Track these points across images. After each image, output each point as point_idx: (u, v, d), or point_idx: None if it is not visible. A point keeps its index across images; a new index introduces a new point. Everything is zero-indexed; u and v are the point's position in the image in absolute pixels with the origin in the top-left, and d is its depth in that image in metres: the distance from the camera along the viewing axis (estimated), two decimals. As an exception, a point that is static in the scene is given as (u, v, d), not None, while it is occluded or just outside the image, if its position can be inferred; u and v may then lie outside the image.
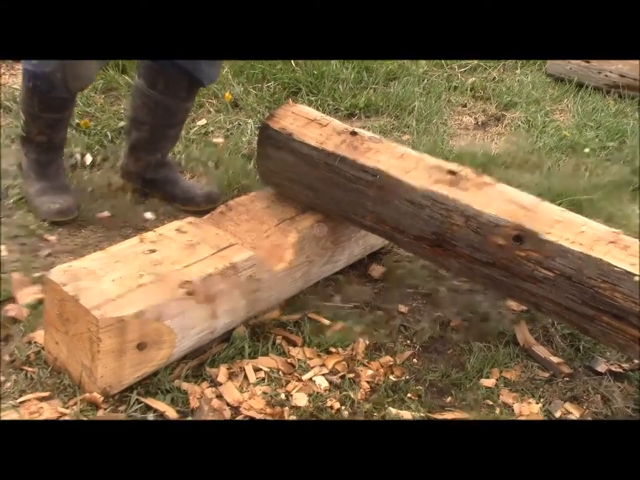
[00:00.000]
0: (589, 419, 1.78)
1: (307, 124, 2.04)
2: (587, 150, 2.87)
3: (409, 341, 1.96)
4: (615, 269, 1.58)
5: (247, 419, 1.66)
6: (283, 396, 1.73)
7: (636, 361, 1.95)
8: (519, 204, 1.78)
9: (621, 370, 1.93)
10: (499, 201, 1.78)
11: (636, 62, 3.24)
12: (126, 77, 3.01)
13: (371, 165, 1.90)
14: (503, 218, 1.73)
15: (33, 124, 2.30)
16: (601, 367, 1.93)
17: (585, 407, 1.80)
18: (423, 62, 3.40)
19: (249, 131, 2.78)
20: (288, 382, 1.77)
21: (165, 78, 2.29)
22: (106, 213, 2.37)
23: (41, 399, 1.63)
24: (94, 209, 2.38)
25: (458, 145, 2.90)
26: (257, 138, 2.17)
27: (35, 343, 1.79)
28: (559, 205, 1.82)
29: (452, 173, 1.87)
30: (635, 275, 1.56)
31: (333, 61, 3.25)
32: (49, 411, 1.59)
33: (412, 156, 1.94)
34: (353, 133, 2.00)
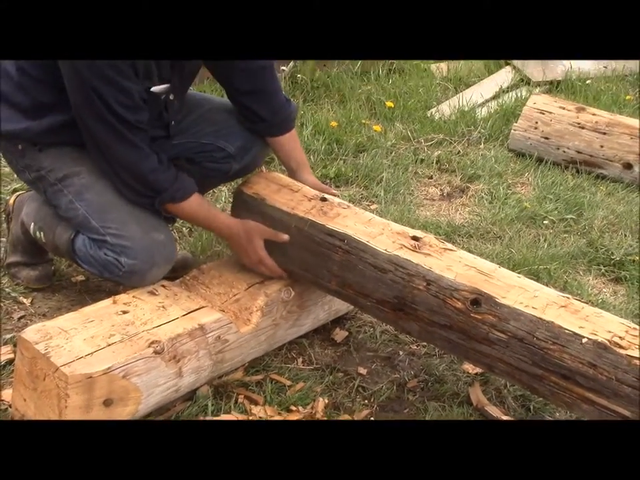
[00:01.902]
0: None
1: (279, 190, 2.14)
2: (546, 221, 2.99)
3: (366, 401, 2.02)
4: (565, 331, 1.67)
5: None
6: (245, 452, 1.77)
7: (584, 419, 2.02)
8: (477, 269, 1.87)
9: (568, 428, 2.01)
10: (458, 266, 1.88)
11: (591, 139, 3.40)
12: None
13: (339, 229, 1.99)
14: (462, 282, 1.82)
15: (54, 250, 2.27)
16: (551, 426, 2.01)
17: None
18: (391, 135, 3.53)
19: (223, 198, 2.85)
20: (249, 438, 1.81)
21: None
22: (80, 277, 2.42)
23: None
24: (68, 273, 2.43)
25: (424, 214, 3.00)
26: (231, 204, 2.27)
27: (2, 401, 1.82)
28: (518, 273, 1.92)
29: (415, 238, 1.97)
30: (583, 337, 1.65)
31: (304, 132, 3.36)
32: (15, 464, 1.61)
33: (378, 222, 2.05)
34: (323, 199, 2.11)
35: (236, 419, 1.89)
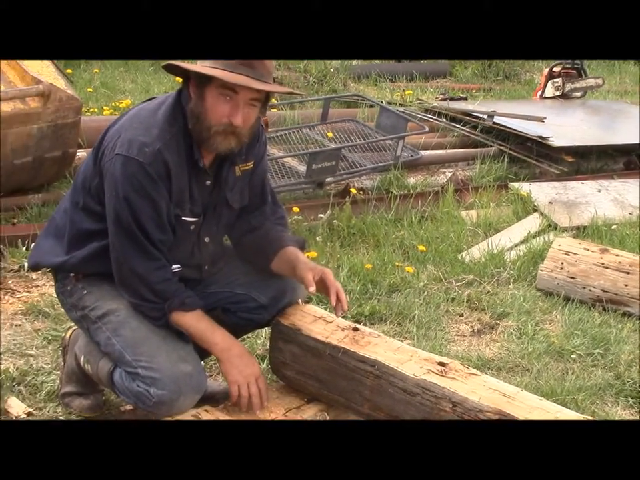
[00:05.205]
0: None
1: (314, 321, 2.32)
2: (573, 356, 3.11)
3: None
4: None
5: None
6: None
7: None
8: (500, 392, 2.00)
9: None
10: (482, 389, 2.01)
11: (616, 278, 3.54)
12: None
13: (370, 356, 2.15)
14: (486, 404, 1.95)
15: (98, 381, 2.41)
16: None
17: None
18: (423, 276, 3.72)
19: (263, 334, 3.01)
20: None
21: None
22: (129, 407, 2.56)
23: None
24: (118, 403, 2.59)
25: (455, 349, 3.14)
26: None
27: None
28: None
29: (442, 364, 2.12)
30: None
31: (341, 274, 3.57)
32: None
33: (407, 349, 2.21)
34: (355, 329, 2.28)
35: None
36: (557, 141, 5.46)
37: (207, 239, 2.33)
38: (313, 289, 2.23)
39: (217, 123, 2.10)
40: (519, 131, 5.57)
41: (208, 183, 2.25)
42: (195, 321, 2.23)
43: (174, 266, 2.25)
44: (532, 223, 4.64)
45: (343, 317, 2.37)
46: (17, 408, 2.49)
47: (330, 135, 5.15)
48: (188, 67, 2.08)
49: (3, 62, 3.86)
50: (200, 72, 2.04)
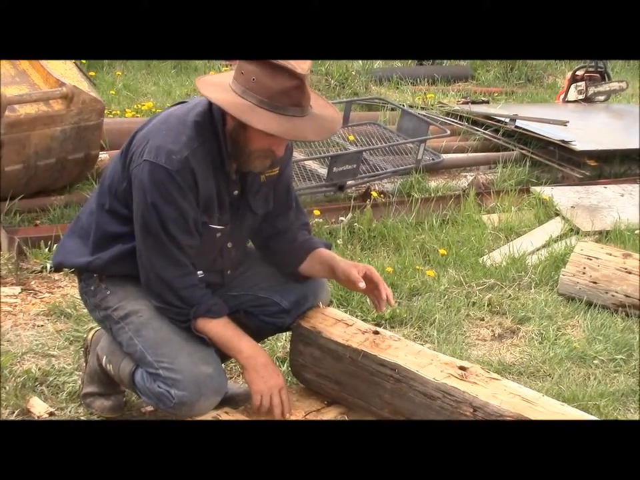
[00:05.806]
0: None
1: (335, 323, 2.32)
2: (595, 361, 3.08)
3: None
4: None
5: None
6: None
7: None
8: (521, 397, 2.00)
9: None
10: (503, 393, 2.01)
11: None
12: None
13: (391, 359, 2.15)
14: (507, 409, 1.94)
15: (120, 382, 2.43)
16: None
17: None
18: (444, 280, 3.70)
19: (283, 337, 3.02)
20: None
21: None
22: (149, 408, 2.58)
23: None
24: (139, 404, 2.61)
25: (476, 353, 3.13)
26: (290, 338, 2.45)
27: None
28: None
29: (462, 368, 2.11)
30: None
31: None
32: None
33: (427, 353, 2.21)
34: (376, 332, 2.28)
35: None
36: (580, 145, 5.42)
37: (229, 245, 2.34)
38: (363, 284, 2.24)
39: (258, 150, 2.13)
40: (541, 135, 5.54)
41: (236, 192, 2.26)
42: (220, 328, 2.24)
43: (198, 272, 2.26)
44: (554, 227, 4.61)
45: (363, 320, 2.37)
46: (39, 408, 2.51)
47: (351, 137, 5.15)
48: (235, 112, 2.03)
49: (26, 64, 3.90)
50: (254, 126, 2.02)
